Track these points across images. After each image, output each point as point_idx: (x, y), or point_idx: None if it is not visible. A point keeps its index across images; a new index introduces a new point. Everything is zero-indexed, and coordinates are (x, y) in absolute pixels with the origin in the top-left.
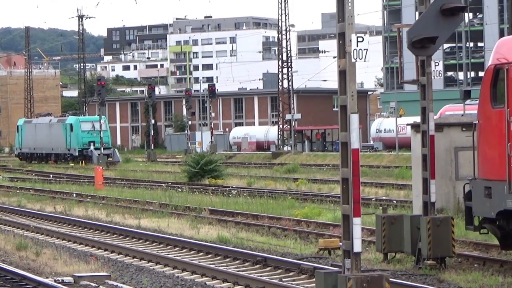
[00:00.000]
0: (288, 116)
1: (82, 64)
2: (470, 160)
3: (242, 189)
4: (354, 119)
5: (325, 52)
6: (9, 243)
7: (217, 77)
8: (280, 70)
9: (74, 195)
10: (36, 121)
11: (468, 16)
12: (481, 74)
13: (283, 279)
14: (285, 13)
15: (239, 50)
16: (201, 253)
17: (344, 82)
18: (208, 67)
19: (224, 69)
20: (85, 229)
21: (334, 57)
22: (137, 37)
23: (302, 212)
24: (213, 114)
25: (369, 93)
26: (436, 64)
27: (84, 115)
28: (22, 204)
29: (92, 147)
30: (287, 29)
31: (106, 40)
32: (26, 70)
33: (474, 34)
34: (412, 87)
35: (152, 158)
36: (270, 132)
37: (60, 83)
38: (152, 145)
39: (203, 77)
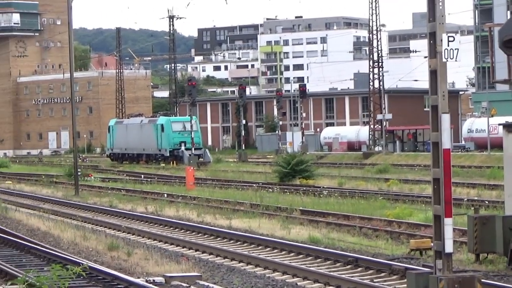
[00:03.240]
0: (379, 116)
1: (173, 65)
2: None
3: (333, 190)
4: (445, 119)
5: (416, 51)
6: (101, 243)
7: (307, 77)
8: (371, 70)
9: (165, 195)
10: (127, 121)
11: None
12: None
13: (374, 280)
14: (375, 13)
15: (330, 50)
16: (292, 254)
17: (435, 82)
18: (298, 67)
19: (314, 69)
20: (176, 230)
21: (425, 57)
22: (228, 38)
23: (393, 213)
24: (304, 114)
25: (460, 93)
26: None
27: (175, 116)
28: (113, 205)
29: (183, 148)
30: (378, 29)
31: (196, 40)
32: (117, 70)
33: None
34: (504, 86)
35: (243, 158)
36: (361, 132)
37: (151, 84)
38: (243, 145)
39: (293, 77)
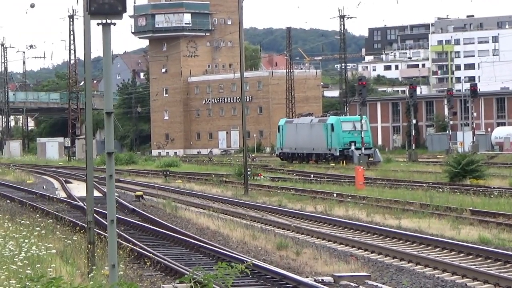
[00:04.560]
0: None
1: (343, 64)
2: None
3: (504, 190)
4: None
5: None
6: (270, 242)
7: (479, 76)
8: None
9: (335, 195)
10: (297, 121)
11: None
12: None
13: None
14: None
15: (502, 49)
16: (462, 254)
17: None
18: (470, 66)
19: (486, 68)
20: (345, 229)
21: None
22: (399, 37)
23: None
24: (474, 114)
25: None
26: None
27: (345, 115)
28: (283, 204)
29: (353, 147)
30: None
31: (367, 40)
32: (287, 70)
33: None
34: None
35: (413, 158)
36: None
37: (321, 83)
38: (413, 145)
39: (464, 77)
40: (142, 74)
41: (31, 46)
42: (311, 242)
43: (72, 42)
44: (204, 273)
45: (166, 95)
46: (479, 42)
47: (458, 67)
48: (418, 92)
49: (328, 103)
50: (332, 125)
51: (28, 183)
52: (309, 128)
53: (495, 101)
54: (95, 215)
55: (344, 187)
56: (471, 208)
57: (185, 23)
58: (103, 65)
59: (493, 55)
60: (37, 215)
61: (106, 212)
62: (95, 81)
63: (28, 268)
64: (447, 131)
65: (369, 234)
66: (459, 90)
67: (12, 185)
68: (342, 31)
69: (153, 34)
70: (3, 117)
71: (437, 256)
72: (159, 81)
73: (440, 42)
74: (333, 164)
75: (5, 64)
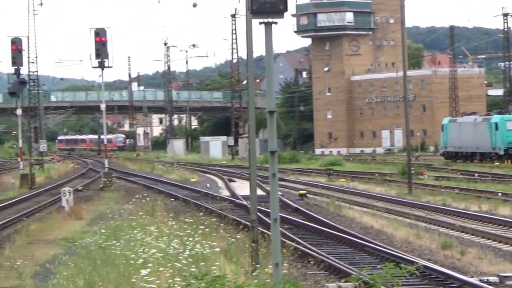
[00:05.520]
0: None
1: (506, 63)
2: None
3: None
4: None
5: None
6: (434, 241)
7: None
8: None
9: (500, 194)
10: (461, 120)
11: None
12: None
13: None
14: None
15: None
16: None
17: None
18: None
19: None
20: (511, 229)
21: None
22: None
23: None
24: None
25: None
26: None
27: (509, 114)
28: (447, 203)
29: None
30: None
31: None
32: (450, 69)
33: None
34: None
35: None
36: None
37: (485, 82)
38: None
39: None
40: (304, 73)
41: (193, 45)
42: (475, 242)
43: (234, 41)
44: (369, 273)
45: (329, 94)
46: None
47: None
48: None
49: (492, 102)
50: (496, 124)
51: (192, 181)
52: (473, 127)
53: None
54: (258, 213)
55: (510, 187)
56: None
57: (347, 22)
58: (265, 64)
59: None
60: (201, 214)
61: (269, 210)
62: (257, 80)
63: (192, 266)
64: None
65: None
66: None
67: (176, 183)
68: (505, 29)
69: (315, 33)
70: (167, 116)
71: None
72: (321, 80)
73: None
74: (498, 163)
75: (168, 63)
